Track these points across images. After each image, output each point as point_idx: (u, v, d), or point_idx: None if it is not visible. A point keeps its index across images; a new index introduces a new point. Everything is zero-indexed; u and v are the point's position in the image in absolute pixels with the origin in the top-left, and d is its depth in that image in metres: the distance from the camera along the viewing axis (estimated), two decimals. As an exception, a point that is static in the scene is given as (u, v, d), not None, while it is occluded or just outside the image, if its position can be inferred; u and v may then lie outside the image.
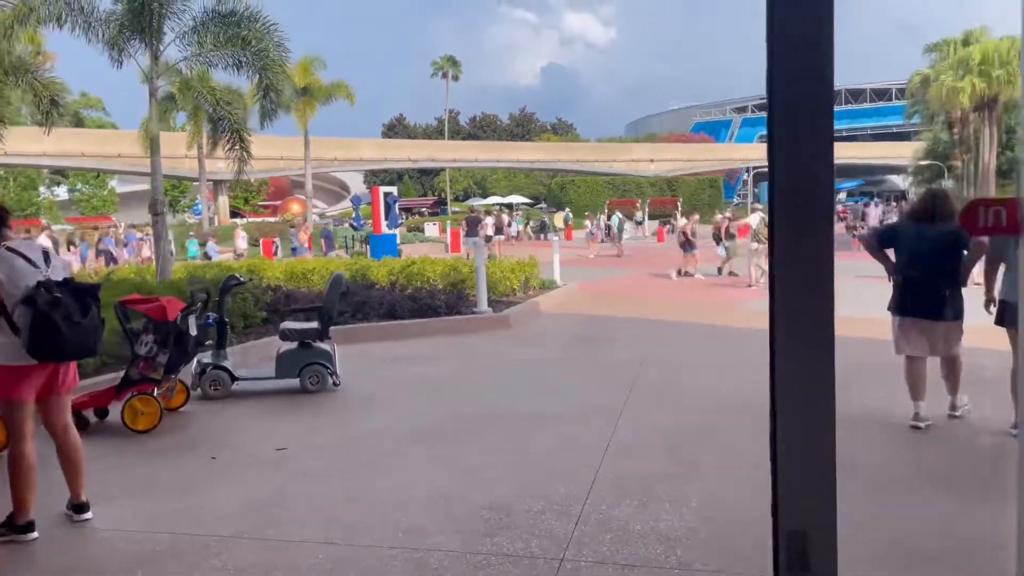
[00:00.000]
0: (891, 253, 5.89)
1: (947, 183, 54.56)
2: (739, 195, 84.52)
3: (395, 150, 51.63)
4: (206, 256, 26.16)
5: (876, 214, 23.91)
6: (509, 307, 12.51)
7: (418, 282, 13.88)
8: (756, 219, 16.97)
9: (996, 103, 23.35)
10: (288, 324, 7.35)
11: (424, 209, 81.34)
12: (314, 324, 7.22)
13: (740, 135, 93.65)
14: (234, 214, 57.44)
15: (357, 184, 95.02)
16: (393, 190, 33.05)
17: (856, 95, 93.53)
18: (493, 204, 60.20)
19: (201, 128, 31.93)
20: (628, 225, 36.54)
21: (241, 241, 28.28)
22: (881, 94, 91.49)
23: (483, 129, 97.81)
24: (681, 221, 18.91)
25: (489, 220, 34.94)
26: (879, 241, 6.08)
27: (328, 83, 33.61)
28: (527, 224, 36.85)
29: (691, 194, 49.38)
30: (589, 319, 12.23)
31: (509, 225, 36.02)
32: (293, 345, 7.20)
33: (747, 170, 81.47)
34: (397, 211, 32.71)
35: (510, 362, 8.60)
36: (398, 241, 31.71)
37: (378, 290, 12.48)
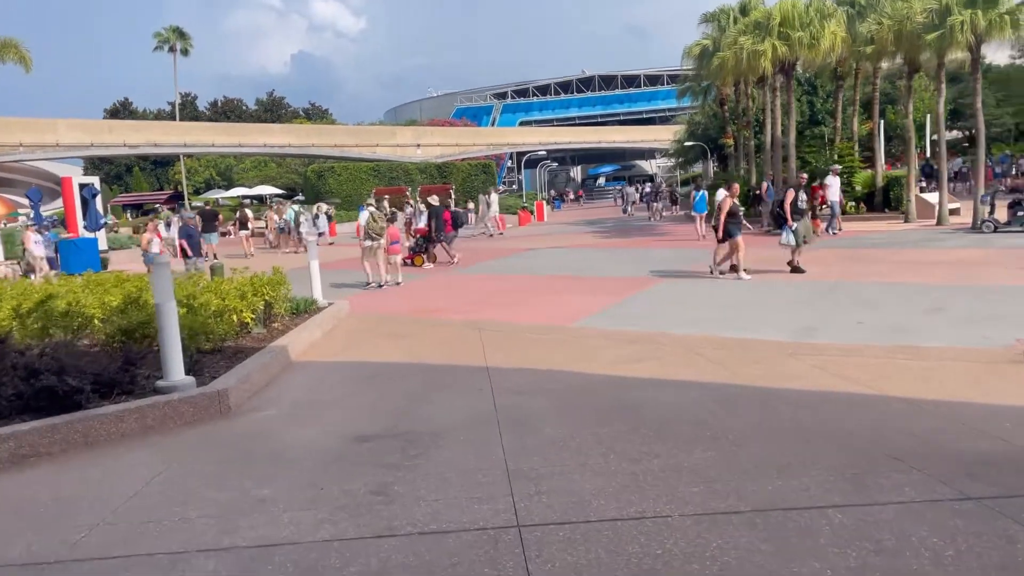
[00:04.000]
0: None
1: (698, 166, 55.88)
2: (505, 181, 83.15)
3: (105, 133, 41.62)
4: None
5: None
6: (233, 363, 7.22)
7: (68, 328, 8.04)
8: (365, 216, 15.34)
9: (795, 67, 21.55)
10: None
11: (158, 205, 70.79)
12: None
13: (502, 120, 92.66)
14: None
15: (78, 178, 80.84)
16: (94, 180, 25.31)
17: (608, 82, 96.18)
18: (239, 197, 52.24)
19: None
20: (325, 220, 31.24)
21: (37, 247, 18.73)
22: (631, 80, 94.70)
23: (226, 115, 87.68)
24: (720, 194, 13.76)
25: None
26: None
27: (-11, 40, 24.88)
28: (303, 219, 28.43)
29: (464, 179, 45.50)
30: (374, 378, 7.25)
31: (292, 222, 28.72)
32: None
33: (511, 156, 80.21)
34: (100, 207, 25.12)
35: None
36: (104, 246, 24.21)
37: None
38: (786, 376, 6.34)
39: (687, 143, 46.38)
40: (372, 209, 15.60)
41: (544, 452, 4.71)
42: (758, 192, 23.18)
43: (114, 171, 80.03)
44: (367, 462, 4.74)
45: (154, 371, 6.57)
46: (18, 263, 19.15)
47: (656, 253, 18.65)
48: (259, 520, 3.91)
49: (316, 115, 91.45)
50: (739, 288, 12.12)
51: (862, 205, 26.70)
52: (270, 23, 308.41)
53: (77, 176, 28.53)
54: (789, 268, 13.21)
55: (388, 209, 24.24)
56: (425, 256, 18.72)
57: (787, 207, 13.29)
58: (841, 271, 13.24)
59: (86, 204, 23.80)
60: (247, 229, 25.76)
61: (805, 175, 14.16)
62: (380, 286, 14.49)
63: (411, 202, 30.23)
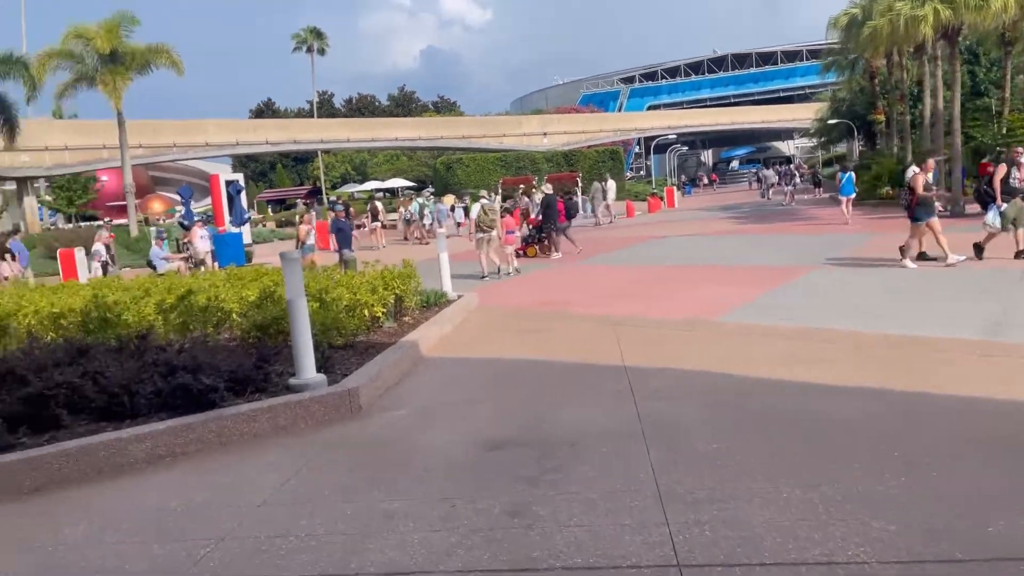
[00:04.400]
0: None
1: (843, 145, 52.29)
2: (632, 168, 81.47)
3: (249, 132, 43.99)
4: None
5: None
6: (364, 359, 7.05)
7: (208, 323, 8.18)
8: (477, 209, 15.40)
9: (959, 33, 19.46)
10: None
11: (299, 200, 74.50)
12: None
13: (629, 105, 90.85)
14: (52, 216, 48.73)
15: (224, 175, 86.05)
16: (238, 177, 26.59)
17: (742, 60, 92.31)
18: (371, 190, 53.88)
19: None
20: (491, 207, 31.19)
21: (203, 242, 19.73)
22: (767, 58, 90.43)
23: (360, 111, 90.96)
24: (910, 172, 12.55)
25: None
26: None
27: (145, 46, 26.59)
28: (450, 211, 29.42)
29: (591, 166, 44.78)
30: (506, 376, 6.88)
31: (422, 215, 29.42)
32: None
33: (638, 141, 78.38)
34: (244, 202, 26.37)
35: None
36: (248, 240, 25.41)
37: (113, 349, 6.67)
38: (982, 382, 5.43)
39: (830, 121, 43.58)
40: (484, 201, 15.67)
41: (699, 471, 4.14)
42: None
43: (259, 169, 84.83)
44: (501, 474, 4.34)
45: (287, 367, 6.48)
46: (187, 259, 20.14)
47: (803, 239, 17.37)
48: (388, 541, 3.58)
49: (444, 108, 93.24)
50: (909, 277, 10.90)
51: (1038, 183, 23.97)
52: (401, 21, 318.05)
53: (224, 173, 30.22)
54: (974, 251, 11.70)
55: (520, 197, 23.97)
56: (538, 247, 18.32)
57: (996, 184, 11.70)
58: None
59: (231, 200, 25.02)
60: (377, 221, 26.31)
61: (1021, 148, 12.43)
62: (503, 275, 14.61)
63: (534, 190, 30.06)
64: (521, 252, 17.68)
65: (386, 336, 8.34)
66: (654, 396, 5.72)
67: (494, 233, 14.96)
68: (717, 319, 8.95)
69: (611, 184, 30.50)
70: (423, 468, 4.58)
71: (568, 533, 3.50)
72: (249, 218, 27.71)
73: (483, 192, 17.85)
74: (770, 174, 40.52)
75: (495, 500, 3.95)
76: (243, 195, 25.81)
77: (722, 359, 6.77)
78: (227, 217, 25.36)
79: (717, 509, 3.63)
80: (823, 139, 49.23)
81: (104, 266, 18.75)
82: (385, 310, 8.82)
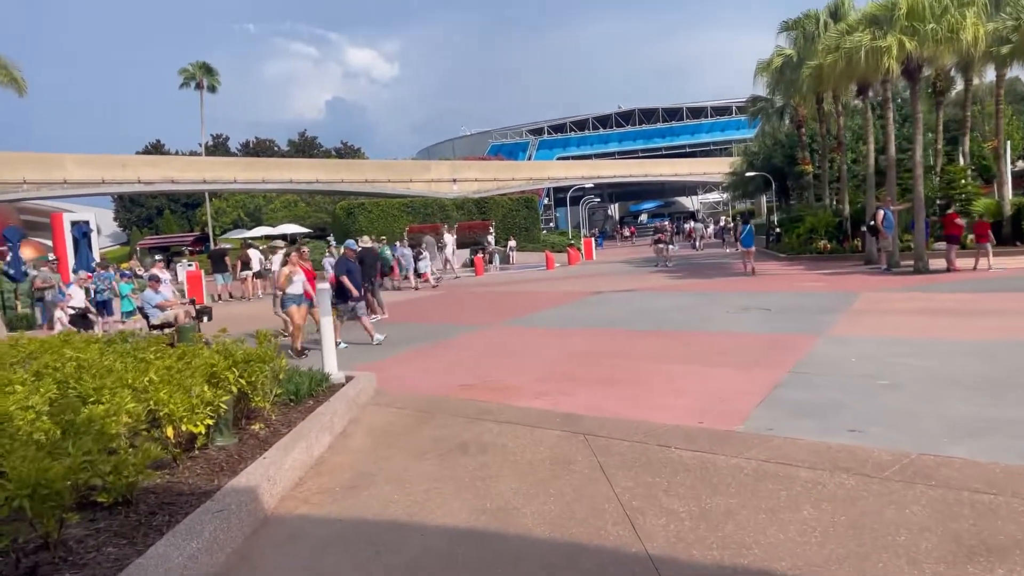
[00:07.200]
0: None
1: (748, 201, 51.74)
2: (542, 219, 79.59)
3: (117, 169, 37.92)
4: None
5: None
6: (140, 540, 3.47)
7: None
8: (278, 259, 14.71)
9: (920, 69, 17.65)
10: None
11: (185, 247, 68.69)
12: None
13: (538, 156, 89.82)
14: None
15: (106, 221, 78.72)
16: (90, 217, 22.14)
17: (649, 115, 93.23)
18: (263, 236, 49.25)
19: None
20: (428, 254, 26.65)
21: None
22: (672, 114, 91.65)
23: (257, 155, 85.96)
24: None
25: (255, 255, 24.40)
26: None
27: (-21, 61, 21.99)
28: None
29: (504, 215, 41.97)
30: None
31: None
32: None
33: (547, 193, 76.76)
34: (95, 248, 21.91)
35: None
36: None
37: None
38: None
39: (748, 174, 42.53)
40: (282, 252, 14.47)
41: None
42: (872, 223, 19.15)
43: (144, 214, 78.24)
44: None
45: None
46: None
47: (769, 298, 14.64)
48: None
49: (348, 154, 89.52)
50: (998, 352, 8.10)
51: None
52: (305, 71, 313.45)
53: (107, 219, 25.56)
54: None
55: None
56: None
57: None
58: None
59: (77, 244, 20.60)
60: (248, 270, 22.22)
61: None
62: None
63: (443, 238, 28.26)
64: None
65: (207, 471, 4.80)
66: None
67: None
68: (740, 428, 5.80)
69: (449, 238, 29.06)
70: None
71: None
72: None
73: (277, 241, 15.06)
74: (700, 226, 38.62)
75: None
76: (93, 238, 21.39)
77: (828, 543, 3.55)
78: (72, 265, 20.88)
79: None
80: (737, 192, 48.34)
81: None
82: (213, 419, 5.24)
